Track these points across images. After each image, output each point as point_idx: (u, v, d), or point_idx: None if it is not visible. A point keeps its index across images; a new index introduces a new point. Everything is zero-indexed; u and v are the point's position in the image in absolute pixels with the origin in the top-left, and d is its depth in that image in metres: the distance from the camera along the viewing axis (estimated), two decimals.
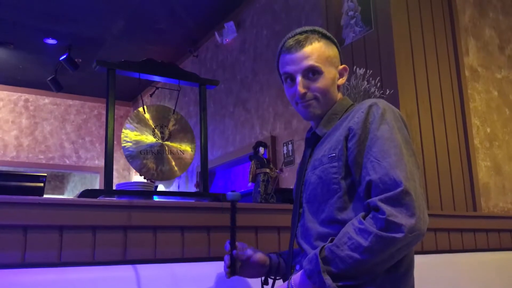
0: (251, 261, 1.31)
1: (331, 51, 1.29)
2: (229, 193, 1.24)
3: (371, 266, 1.03)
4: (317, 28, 1.30)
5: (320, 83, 1.25)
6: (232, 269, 1.25)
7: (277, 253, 1.41)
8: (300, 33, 1.27)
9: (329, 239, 1.09)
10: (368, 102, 1.19)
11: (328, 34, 1.31)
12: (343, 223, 1.12)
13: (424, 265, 2.08)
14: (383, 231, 1.00)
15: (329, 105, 1.28)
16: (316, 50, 1.25)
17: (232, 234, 1.25)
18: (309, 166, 1.27)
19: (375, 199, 1.04)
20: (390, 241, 1.00)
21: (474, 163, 2.76)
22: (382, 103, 1.17)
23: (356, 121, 1.16)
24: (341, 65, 1.32)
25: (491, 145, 2.97)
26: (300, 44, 1.25)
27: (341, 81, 1.31)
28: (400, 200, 1.02)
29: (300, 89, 1.24)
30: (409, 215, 1.01)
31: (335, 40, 1.33)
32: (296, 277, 1.12)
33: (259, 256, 1.33)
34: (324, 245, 1.08)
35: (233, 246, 1.25)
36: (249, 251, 1.32)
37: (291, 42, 1.26)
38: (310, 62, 1.23)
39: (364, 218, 1.06)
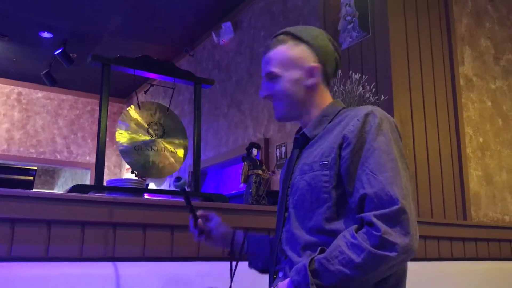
0: (213, 234, 1.37)
1: (296, 51, 1.25)
2: (175, 183, 1.33)
3: (361, 282, 1.01)
4: (290, 28, 1.28)
5: (279, 86, 1.25)
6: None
7: (245, 232, 1.41)
8: (276, 35, 1.29)
9: (319, 250, 1.06)
10: (364, 110, 1.14)
11: (299, 34, 1.26)
12: (331, 233, 1.10)
13: (413, 272, 2.08)
14: (376, 248, 0.97)
15: (299, 108, 1.26)
16: (277, 55, 1.25)
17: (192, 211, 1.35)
18: (296, 169, 1.23)
19: (369, 215, 1.01)
20: (382, 259, 0.98)
21: (466, 172, 2.77)
22: (379, 112, 1.13)
23: (351, 129, 1.11)
24: (316, 63, 1.24)
25: (483, 154, 2.98)
26: (267, 48, 1.28)
27: (311, 81, 1.24)
28: (396, 219, 0.99)
29: (260, 92, 1.29)
30: (403, 233, 0.99)
31: (309, 38, 1.26)
32: (282, 285, 1.09)
33: (222, 231, 1.38)
34: (314, 257, 1.04)
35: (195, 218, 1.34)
36: (213, 224, 1.37)
37: (265, 44, 1.30)
38: (268, 67, 1.26)
39: (356, 231, 1.02)
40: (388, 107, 2.45)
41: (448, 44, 2.88)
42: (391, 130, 1.11)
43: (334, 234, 1.08)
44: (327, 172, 1.13)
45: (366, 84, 2.26)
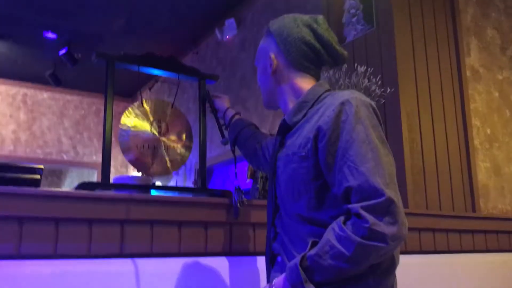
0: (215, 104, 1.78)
1: (263, 43, 1.35)
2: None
3: (354, 272, 1.03)
4: (271, 21, 1.35)
5: (257, 77, 1.39)
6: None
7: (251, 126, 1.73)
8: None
9: (310, 243, 1.07)
10: (340, 98, 1.12)
11: (269, 26, 1.34)
12: (317, 222, 1.12)
13: (422, 265, 2.07)
14: (365, 239, 0.98)
15: (273, 95, 1.34)
16: (257, 49, 1.38)
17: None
18: (280, 156, 1.25)
19: (357, 206, 1.01)
20: (373, 250, 0.99)
21: (474, 164, 2.75)
22: (355, 99, 1.11)
23: (326, 120, 1.10)
24: (274, 52, 1.30)
25: (491, 146, 2.96)
26: None
27: (272, 69, 1.30)
28: (384, 210, 1.00)
29: None
30: (391, 222, 0.99)
31: (274, 28, 1.31)
32: (278, 282, 1.10)
33: (222, 103, 1.80)
34: (305, 254, 1.06)
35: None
36: (220, 101, 1.81)
37: None
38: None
39: (344, 223, 1.03)
40: (394, 100, 2.43)
41: (453, 35, 2.86)
42: (369, 117, 1.10)
43: (320, 223, 1.11)
44: (306, 164, 1.14)
45: (372, 77, 2.24)
